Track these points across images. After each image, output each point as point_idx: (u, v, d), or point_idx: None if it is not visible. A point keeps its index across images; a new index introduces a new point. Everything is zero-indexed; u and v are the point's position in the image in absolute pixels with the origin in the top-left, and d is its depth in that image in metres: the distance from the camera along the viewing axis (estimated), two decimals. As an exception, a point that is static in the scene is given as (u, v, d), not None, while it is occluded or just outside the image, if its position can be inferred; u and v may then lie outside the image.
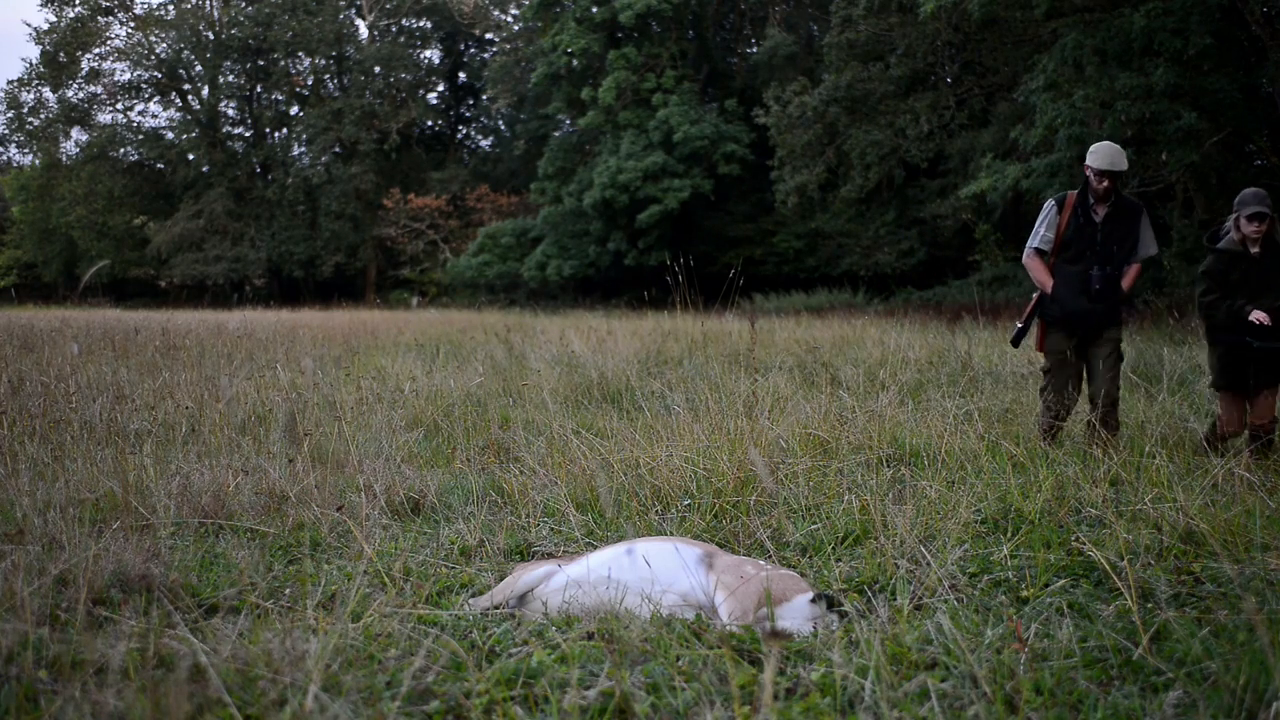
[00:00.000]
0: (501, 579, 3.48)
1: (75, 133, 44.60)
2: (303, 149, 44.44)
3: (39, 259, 43.90)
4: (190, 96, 45.28)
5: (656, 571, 3.16)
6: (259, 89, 44.97)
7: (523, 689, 2.56)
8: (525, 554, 3.96)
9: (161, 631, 2.81)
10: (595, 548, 3.59)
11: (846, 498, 4.40)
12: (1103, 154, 5.57)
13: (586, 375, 8.42)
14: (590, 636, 2.93)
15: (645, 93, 31.40)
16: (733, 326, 12.34)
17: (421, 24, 46.91)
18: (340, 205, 41.17)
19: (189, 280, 41.80)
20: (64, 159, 44.18)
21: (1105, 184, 5.55)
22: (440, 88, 47.46)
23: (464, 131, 49.20)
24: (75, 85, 44.16)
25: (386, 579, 3.45)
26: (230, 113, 45.81)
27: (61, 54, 43.11)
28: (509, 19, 45.18)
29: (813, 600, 3.04)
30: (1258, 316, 5.09)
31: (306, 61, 44.45)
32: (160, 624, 2.87)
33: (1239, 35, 15.59)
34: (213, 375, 8.05)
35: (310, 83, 44.53)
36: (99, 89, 44.55)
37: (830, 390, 6.98)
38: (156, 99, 45.38)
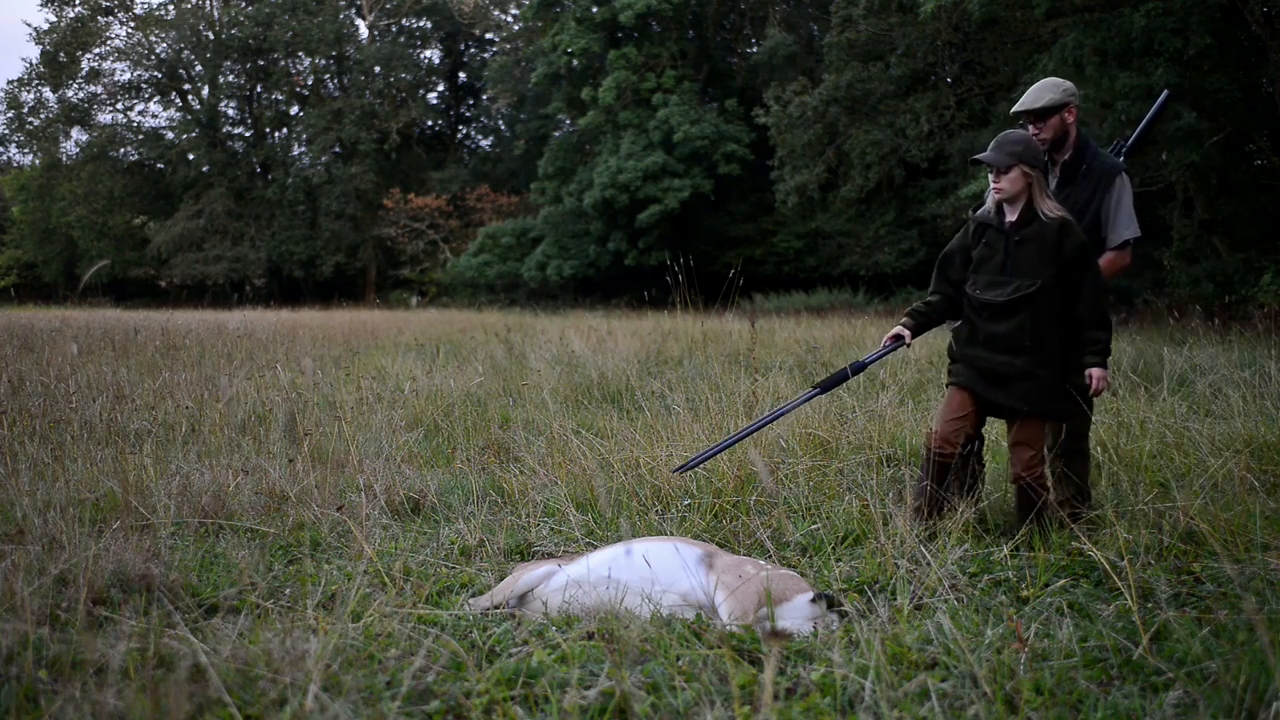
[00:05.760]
0: (501, 579, 3.48)
1: (75, 133, 44.57)
2: (303, 149, 44.42)
3: (39, 259, 43.88)
4: (190, 96, 45.27)
5: (656, 571, 3.16)
6: (259, 89, 44.96)
7: (523, 689, 2.56)
8: (525, 554, 3.96)
9: (161, 631, 2.81)
10: (595, 548, 3.59)
11: (846, 498, 4.40)
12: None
13: (586, 375, 8.42)
14: (590, 636, 2.93)
15: (645, 93, 31.39)
16: (733, 326, 12.33)
17: (421, 24, 46.90)
18: (340, 205, 41.15)
19: (189, 280, 41.78)
20: (64, 159, 44.14)
21: (1033, 131, 4.24)
22: (440, 88, 47.45)
23: (464, 131, 49.20)
24: (75, 85, 44.13)
25: (386, 579, 3.45)
26: (230, 113, 45.79)
27: (61, 54, 43.07)
28: (509, 19, 45.19)
29: (813, 600, 3.04)
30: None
31: (306, 61, 44.42)
32: (160, 624, 2.87)
33: (1239, 35, 15.59)
34: (213, 375, 8.05)
35: (310, 83, 44.51)
36: (99, 89, 44.53)
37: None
38: (156, 99, 45.36)
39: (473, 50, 47.56)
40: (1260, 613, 2.78)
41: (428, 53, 47.10)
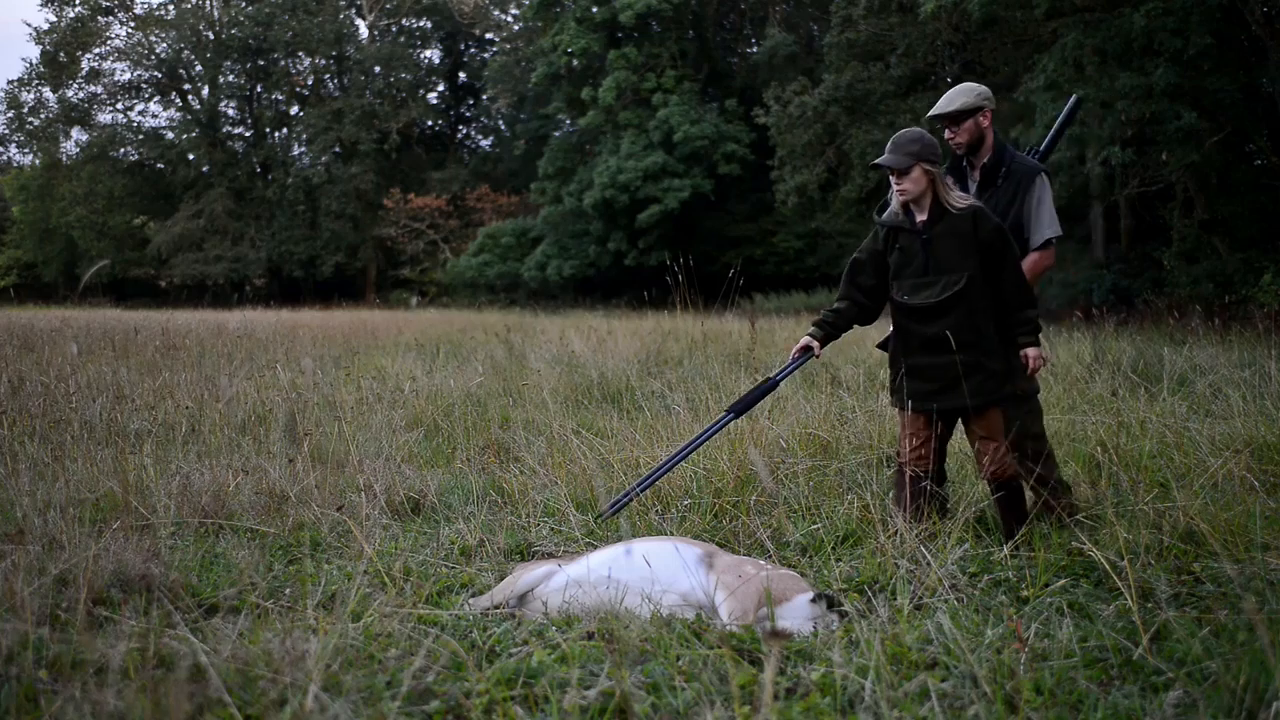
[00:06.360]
0: (501, 579, 3.48)
1: (75, 133, 44.66)
2: (303, 149, 44.47)
3: (39, 259, 43.90)
4: (190, 96, 45.29)
5: (656, 571, 3.16)
6: (259, 89, 44.98)
7: (523, 689, 2.56)
8: (525, 554, 3.96)
9: (161, 631, 2.81)
10: (595, 548, 3.59)
11: (847, 498, 4.39)
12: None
13: (586, 375, 8.42)
14: (590, 636, 2.93)
15: (645, 93, 31.40)
16: (733, 326, 12.33)
17: (421, 24, 46.93)
18: (340, 205, 41.18)
19: (189, 280, 41.81)
20: (64, 159, 44.18)
21: (948, 135, 4.26)
22: (440, 88, 47.48)
23: (464, 131, 49.22)
24: (75, 85, 44.17)
25: (386, 579, 3.45)
26: (230, 113, 45.83)
27: (61, 54, 43.11)
28: (509, 19, 45.22)
29: (813, 600, 3.04)
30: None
31: (306, 61, 44.47)
32: (160, 624, 2.87)
33: (1239, 35, 15.58)
34: (213, 375, 8.05)
35: (310, 83, 44.54)
36: (99, 89, 44.57)
37: (830, 390, 6.98)
38: (156, 99, 45.41)
39: (473, 50, 47.57)
40: (1260, 613, 2.78)
41: (428, 53, 47.15)
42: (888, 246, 3.95)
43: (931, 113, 4.27)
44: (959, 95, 4.20)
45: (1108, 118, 14.52)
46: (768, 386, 4.16)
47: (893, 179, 3.84)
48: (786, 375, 4.19)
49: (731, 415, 4.18)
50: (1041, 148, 4.50)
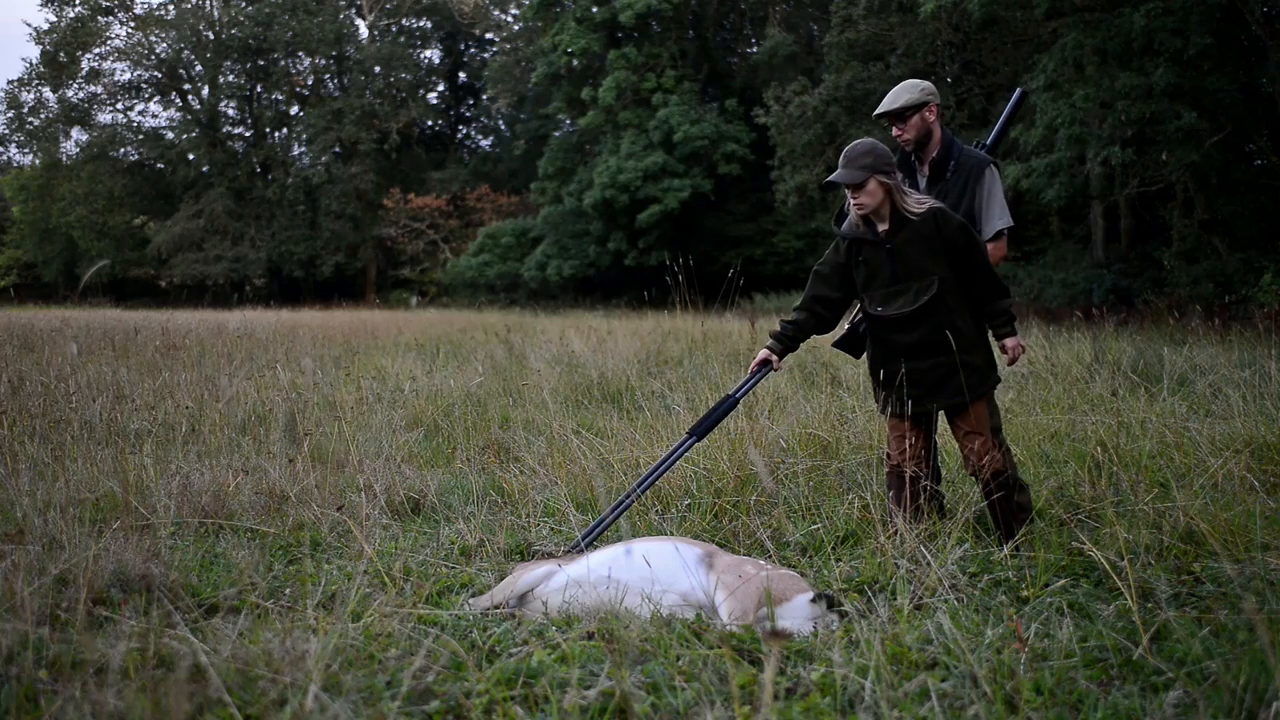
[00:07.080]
0: (501, 579, 3.48)
1: (75, 133, 44.65)
2: (303, 149, 44.48)
3: (39, 259, 43.89)
4: (190, 96, 45.29)
5: (656, 571, 3.16)
6: (259, 89, 44.98)
7: (523, 689, 2.56)
8: (525, 554, 3.96)
9: (161, 631, 2.81)
10: (595, 547, 3.59)
11: (847, 498, 4.40)
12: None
13: (586, 375, 8.42)
14: (590, 636, 2.93)
15: (645, 93, 31.41)
16: (733, 326, 12.34)
17: (421, 24, 46.94)
18: (340, 205, 41.18)
19: (189, 280, 41.81)
20: (64, 159, 44.17)
21: (895, 132, 4.23)
22: (440, 88, 47.50)
23: (464, 131, 49.23)
24: (75, 85, 44.17)
25: (386, 579, 3.45)
26: (230, 113, 45.82)
27: (61, 54, 43.11)
28: (509, 19, 45.23)
29: (813, 600, 3.04)
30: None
31: (306, 61, 44.47)
32: (160, 624, 2.87)
33: (1239, 35, 15.59)
34: (213, 375, 8.05)
35: (310, 83, 44.54)
36: (99, 89, 44.57)
37: (830, 390, 6.98)
38: (156, 99, 45.41)
39: (473, 50, 47.58)
40: (1260, 613, 2.78)
41: (428, 53, 47.17)
42: (851, 259, 3.92)
43: (877, 111, 4.26)
44: (903, 92, 4.18)
45: (1108, 118, 14.52)
46: (728, 405, 4.08)
47: (849, 193, 3.80)
48: (746, 391, 4.12)
49: (693, 439, 4.09)
50: (989, 141, 4.49)
